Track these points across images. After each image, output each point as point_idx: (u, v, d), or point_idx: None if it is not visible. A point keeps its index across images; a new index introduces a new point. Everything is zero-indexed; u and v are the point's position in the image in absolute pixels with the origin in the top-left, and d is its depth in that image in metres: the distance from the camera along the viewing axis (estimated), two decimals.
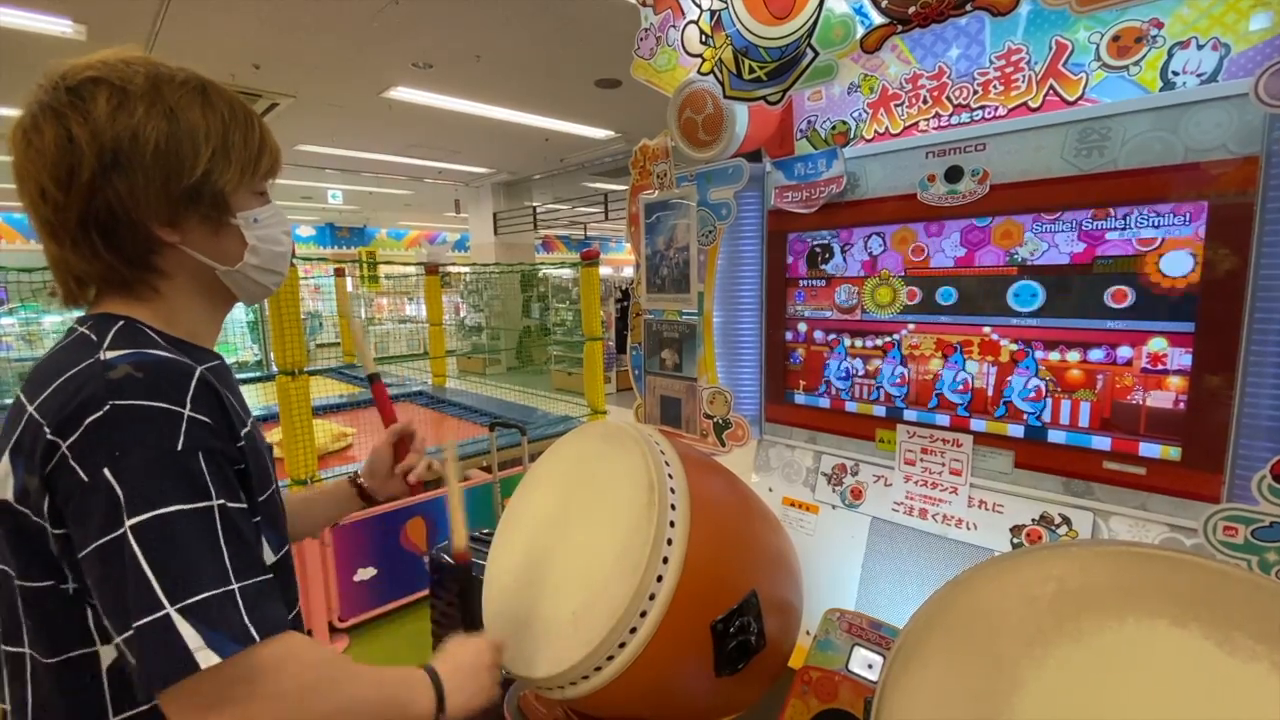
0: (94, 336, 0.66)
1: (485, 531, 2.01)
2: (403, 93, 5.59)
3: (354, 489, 1.05)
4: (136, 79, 0.66)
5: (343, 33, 4.32)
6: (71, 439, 0.58)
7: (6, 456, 0.63)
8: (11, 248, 11.29)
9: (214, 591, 0.57)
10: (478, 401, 4.56)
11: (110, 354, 0.63)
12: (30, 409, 0.62)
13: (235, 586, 0.59)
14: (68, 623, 0.65)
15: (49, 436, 0.59)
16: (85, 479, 0.58)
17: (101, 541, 0.57)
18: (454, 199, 11.40)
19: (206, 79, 0.72)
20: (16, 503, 0.62)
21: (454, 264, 13.61)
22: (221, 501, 0.61)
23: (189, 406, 0.62)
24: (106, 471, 0.57)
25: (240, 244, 0.75)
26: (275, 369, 2.76)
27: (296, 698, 0.60)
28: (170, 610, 0.55)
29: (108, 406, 0.59)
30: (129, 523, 0.56)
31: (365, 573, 3.01)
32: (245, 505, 0.66)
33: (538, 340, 10.67)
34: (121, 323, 0.68)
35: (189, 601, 0.56)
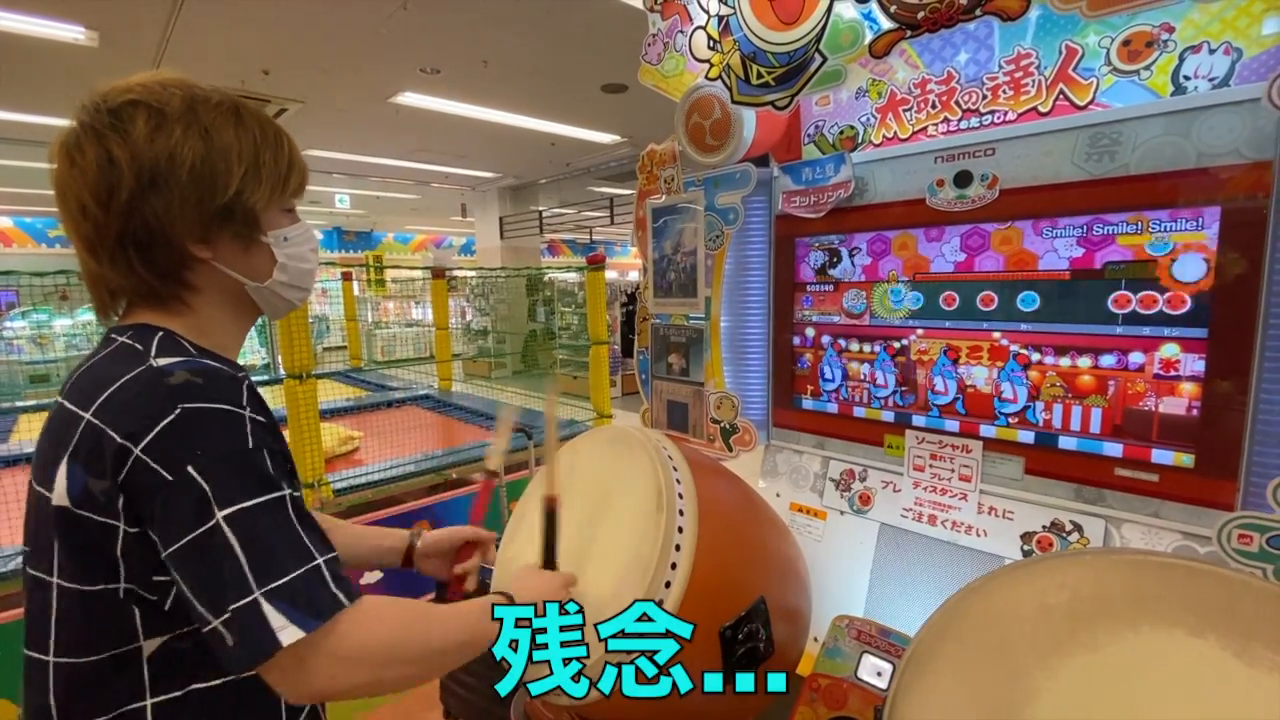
0: (139, 345, 0.68)
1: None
2: (410, 98, 5.63)
3: (405, 550, 1.04)
4: (174, 101, 0.69)
5: (351, 38, 4.35)
6: (145, 441, 0.61)
7: (64, 463, 0.64)
8: (22, 251, 11.38)
9: (298, 572, 0.62)
10: (483, 405, 4.56)
11: (161, 361, 0.66)
12: (87, 416, 0.64)
13: (321, 560, 0.64)
14: (116, 623, 0.66)
15: (120, 441, 0.61)
16: (170, 477, 0.60)
17: (196, 534, 0.60)
18: (460, 203, 11.44)
19: (239, 99, 0.75)
20: (75, 507, 0.64)
21: (460, 268, 13.64)
22: (289, 492, 0.66)
23: (247, 409, 0.66)
24: (191, 469, 0.61)
25: (270, 261, 0.77)
26: (283, 372, 2.77)
27: (379, 653, 0.65)
28: (258, 594, 0.60)
29: (179, 410, 0.62)
30: (220, 514, 0.60)
31: (372, 576, 3.00)
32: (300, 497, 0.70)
33: (543, 344, 10.67)
34: (162, 333, 0.70)
35: (274, 585, 0.60)
